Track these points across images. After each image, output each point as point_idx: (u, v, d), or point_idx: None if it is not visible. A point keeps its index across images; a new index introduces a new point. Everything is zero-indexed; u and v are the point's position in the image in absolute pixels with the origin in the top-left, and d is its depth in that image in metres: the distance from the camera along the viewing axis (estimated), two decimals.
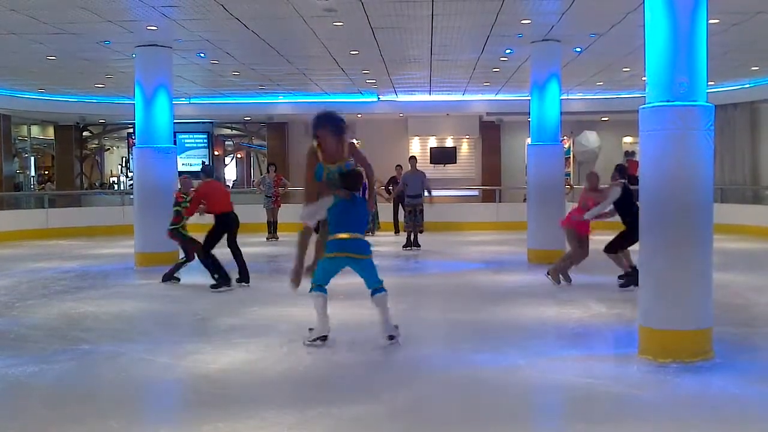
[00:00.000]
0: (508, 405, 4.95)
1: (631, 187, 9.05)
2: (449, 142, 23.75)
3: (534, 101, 12.37)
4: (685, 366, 5.60)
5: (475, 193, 22.50)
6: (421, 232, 14.26)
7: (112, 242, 15.23)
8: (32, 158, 25.03)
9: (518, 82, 17.09)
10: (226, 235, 9.65)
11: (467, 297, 9.02)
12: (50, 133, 24.75)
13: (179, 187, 10.08)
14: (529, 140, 13.07)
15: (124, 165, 26.06)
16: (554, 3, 9.86)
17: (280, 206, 16.42)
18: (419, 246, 14.08)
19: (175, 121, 13.16)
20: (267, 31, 11.38)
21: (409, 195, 14.01)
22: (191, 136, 24.10)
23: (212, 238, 9.51)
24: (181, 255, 10.07)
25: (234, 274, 9.62)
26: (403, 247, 14.15)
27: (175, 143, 13.14)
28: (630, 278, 9.12)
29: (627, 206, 9.08)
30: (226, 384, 5.42)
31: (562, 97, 12.67)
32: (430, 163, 22.87)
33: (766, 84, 17.70)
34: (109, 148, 27.28)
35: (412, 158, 14.86)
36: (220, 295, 9.22)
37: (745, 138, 19.88)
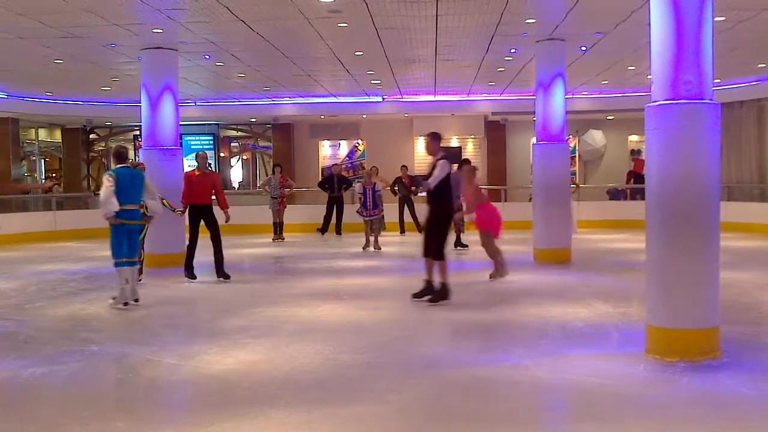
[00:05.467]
0: (515, 404, 4.95)
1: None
2: (454, 142, 23.73)
3: (539, 100, 12.36)
4: (692, 365, 5.59)
5: None
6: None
7: None
8: (42, 161, 25.11)
9: (523, 82, 17.08)
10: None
11: (473, 296, 9.00)
12: (57, 136, 24.86)
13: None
14: (534, 139, 13.05)
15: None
16: (559, 2, 9.85)
17: (285, 207, 16.43)
18: None
19: (181, 123, 13.19)
20: (272, 32, 11.40)
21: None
22: (197, 137, 24.16)
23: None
24: None
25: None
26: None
27: (181, 145, 13.17)
28: None
29: None
30: (232, 384, 5.44)
31: (567, 96, 12.65)
32: None
33: None
34: None
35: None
36: (225, 296, 9.25)
37: (751, 136, 19.78)
